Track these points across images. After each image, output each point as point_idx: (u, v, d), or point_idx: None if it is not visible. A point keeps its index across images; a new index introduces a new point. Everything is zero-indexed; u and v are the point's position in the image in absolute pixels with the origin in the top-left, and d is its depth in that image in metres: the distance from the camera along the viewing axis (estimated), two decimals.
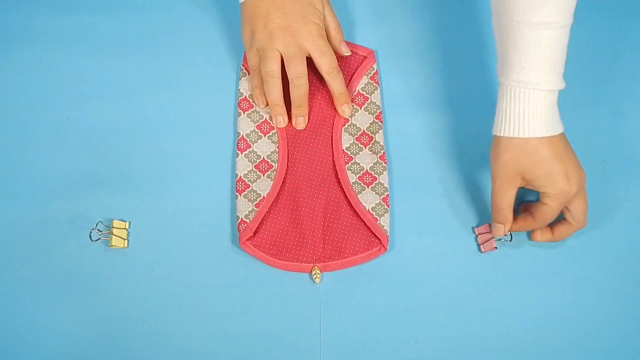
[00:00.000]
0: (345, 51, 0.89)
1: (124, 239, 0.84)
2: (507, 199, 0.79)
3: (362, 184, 0.85)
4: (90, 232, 0.83)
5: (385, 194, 0.85)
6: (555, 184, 0.77)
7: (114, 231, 0.83)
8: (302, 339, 0.81)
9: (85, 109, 0.89)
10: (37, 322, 0.82)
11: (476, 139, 0.88)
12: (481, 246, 0.84)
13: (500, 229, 0.81)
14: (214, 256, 0.84)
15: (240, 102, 0.89)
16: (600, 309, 0.83)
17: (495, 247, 0.83)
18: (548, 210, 0.78)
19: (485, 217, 0.85)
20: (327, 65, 0.86)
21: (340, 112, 0.88)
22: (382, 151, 0.86)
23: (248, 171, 0.85)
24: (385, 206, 0.84)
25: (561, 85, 0.76)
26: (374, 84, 0.90)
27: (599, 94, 0.91)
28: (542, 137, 0.76)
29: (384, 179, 0.85)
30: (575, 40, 0.92)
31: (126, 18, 0.93)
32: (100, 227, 0.83)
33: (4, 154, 0.87)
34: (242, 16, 0.87)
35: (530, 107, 0.75)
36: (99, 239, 0.83)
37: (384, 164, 0.86)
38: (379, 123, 0.88)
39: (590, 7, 0.94)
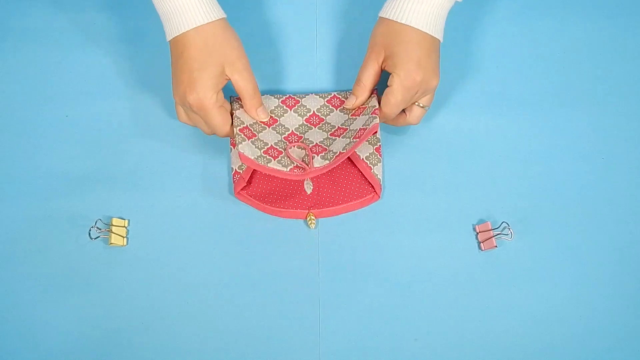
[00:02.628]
0: (263, 118, 0.84)
1: (123, 237, 0.83)
2: (368, 72, 0.82)
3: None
4: (90, 230, 0.82)
5: (378, 144, 0.86)
6: (405, 64, 0.79)
7: (113, 229, 0.83)
8: (303, 346, 0.81)
9: (84, 106, 0.89)
10: (37, 319, 0.82)
11: (477, 136, 0.88)
12: (481, 244, 0.84)
13: (352, 100, 0.84)
14: (213, 253, 0.84)
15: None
16: (599, 306, 0.83)
17: (496, 246, 0.83)
18: (392, 94, 0.80)
19: (485, 215, 0.85)
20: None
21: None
22: (374, 109, 0.84)
23: (253, 122, 0.84)
24: (378, 156, 0.85)
25: None
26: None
27: (599, 91, 0.91)
28: (414, 28, 0.79)
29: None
30: (575, 38, 0.93)
31: (126, 16, 0.93)
32: (99, 225, 0.83)
33: (4, 152, 0.87)
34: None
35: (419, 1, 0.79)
36: (98, 236, 0.83)
37: (377, 118, 0.83)
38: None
39: (590, 6, 0.94)
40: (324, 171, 0.81)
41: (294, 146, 0.84)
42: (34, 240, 0.84)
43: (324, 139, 0.85)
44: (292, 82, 0.91)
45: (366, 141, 0.86)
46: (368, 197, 0.85)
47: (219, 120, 0.79)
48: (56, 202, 0.85)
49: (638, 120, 0.90)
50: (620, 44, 0.93)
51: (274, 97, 0.87)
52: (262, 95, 0.86)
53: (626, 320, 0.83)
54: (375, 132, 0.83)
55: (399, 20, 0.79)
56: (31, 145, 0.87)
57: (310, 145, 0.84)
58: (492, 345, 0.82)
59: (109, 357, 0.81)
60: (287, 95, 0.88)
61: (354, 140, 0.81)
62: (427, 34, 0.79)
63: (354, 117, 0.85)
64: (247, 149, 0.81)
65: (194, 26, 0.77)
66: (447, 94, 0.90)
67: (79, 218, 0.84)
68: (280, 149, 0.83)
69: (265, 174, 0.85)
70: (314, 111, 0.87)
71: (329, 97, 0.88)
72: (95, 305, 0.82)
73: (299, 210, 0.84)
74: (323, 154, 0.82)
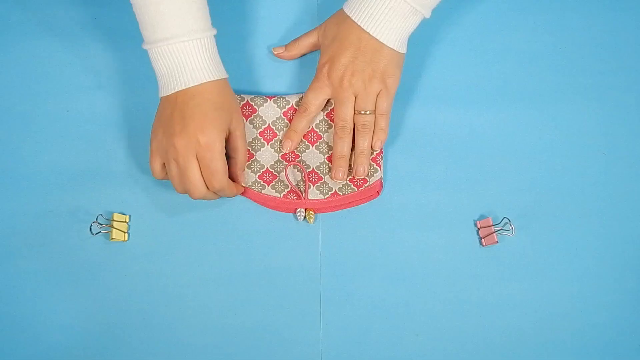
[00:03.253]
0: (244, 182, 0.84)
1: (124, 232, 0.83)
2: (306, 39, 0.88)
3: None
4: (91, 226, 0.83)
5: (375, 153, 0.85)
6: (327, 51, 0.84)
7: (115, 224, 0.83)
8: (304, 342, 0.81)
9: (85, 101, 0.88)
10: (38, 314, 0.82)
11: (478, 131, 0.88)
12: (482, 240, 0.84)
13: (280, 50, 0.89)
14: (214, 249, 0.84)
15: (241, 107, 0.87)
16: (600, 301, 0.83)
17: (497, 241, 0.83)
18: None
19: (487, 211, 0.85)
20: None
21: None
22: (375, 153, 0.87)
23: (252, 138, 0.86)
24: (375, 165, 0.85)
25: (425, 12, 0.81)
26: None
27: (600, 86, 0.91)
28: (360, 27, 0.81)
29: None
30: (576, 33, 0.93)
31: (127, 10, 0.92)
32: (100, 220, 0.83)
33: (5, 147, 0.87)
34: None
35: (386, 8, 0.80)
36: (100, 232, 0.83)
37: (379, 172, 0.86)
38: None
39: (591, 1, 0.94)
40: (318, 206, 0.84)
41: (291, 165, 0.85)
42: (35, 235, 0.84)
43: (320, 163, 0.86)
44: (293, 82, 0.90)
45: None
46: (368, 195, 0.85)
47: (223, 165, 0.78)
48: (57, 197, 0.85)
49: (639, 114, 0.90)
50: (621, 38, 0.93)
51: (277, 107, 0.87)
52: (267, 95, 0.87)
53: (627, 315, 0.83)
54: (375, 194, 0.85)
55: (372, 33, 0.81)
56: (32, 140, 0.87)
57: (307, 170, 0.85)
58: (493, 340, 0.82)
59: (109, 351, 0.81)
60: (290, 105, 0.87)
61: (350, 183, 0.84)
62: (370, 36, 0.81)
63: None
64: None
65: (210, 79, 0.77)
66: (447, 89, 0.90)
67: (80, 213, 0.84)
68: (275, 173, 0.85)
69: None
70: (312, 127, 0.87)
71: (330, 109, 0.87)
72: (96, 300, 0.82)
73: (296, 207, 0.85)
74: (319, 184, 0.85)
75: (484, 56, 0.91)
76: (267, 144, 0.86)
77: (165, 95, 0.79)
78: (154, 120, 0.80)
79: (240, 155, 0.82)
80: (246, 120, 0.87)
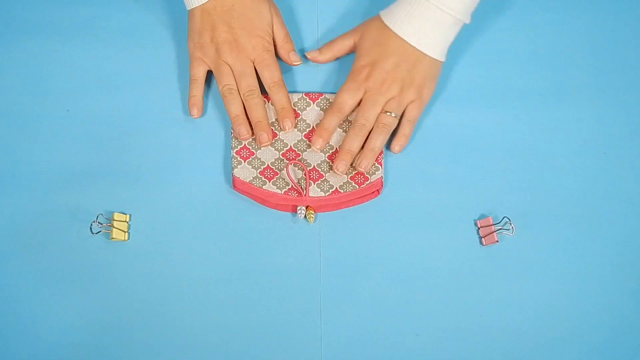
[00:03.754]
0: (295, 60, 0.88)
1: (125, 232, 0.84)
2: (342, 42, 0.88)
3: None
4: (91, 225, 0.83)
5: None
6: (362, 45, 0.85)
7: (115, 224, 0.83)
8: (304, 342, 0.81)
9: (85, 101, 0.89)
10: (38, 314, 0.82)
11: (478, 131, 0.88)
12: (482, 239, 0.84)
13: (314, 53, 0.89)
14: (214, 248, 0.84)
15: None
16: (600, 300, 0.83)
17: (497, 240, 0.83)
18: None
19: (487, 210, 0.86)
20: (268, 79, 0.85)
21: (282, 126, 0.86)
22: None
23: (252, 138, 0.87)
24: (377, 164, 0.85)
25: (465, 19, 0.82)
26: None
27: (600, 86, 0.91)
28: (399, 37, 0.83)
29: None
30: (576, 33, 0.93)
31: (126, 10, 0.93)
32: (100, 219, 0.83)
33: (5, 147, 0.87)
34: (190, 25, 0.87)
35: (429, 21, 0.81)
36: (100, 231, 0.83)
37: (380, 170, 0.86)
38: None
39: (591, 1, 0.94)
40: (319, 203, 0.84)
41: (291, 164, 0.85)
42: (36, 234, 0.84)
43: (321, 161, 0.86)
44: (294, 80, 0.91)
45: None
46: (368, 193, 0.85)
47: (275, 62, 0.86)
48: (57, 197, 0.85)
49: (639, 114, 0.90)
50: (621, 38, 0.93)
51: (274, 108, 0.88)
52: (263, 95, 0.87)
53: (627, 314, 0.83)
54: (376, 192, 0.85)
55: (408, 41, 0.82)
56: (32, 139, 0.87)
57: (308, 168, 0.85)
58: (493, 339, 0.82)
59: (109, 351, 0.81)
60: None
61: (351, 181, 0.84)
62: (412, 46, 0.82)
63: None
64: (242, 172, 0.84)
65: None
66: (448, 89, 0.90)
67: (80, 213, 0.84)
68: (276, 170, 0.85)
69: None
70: (313, 127, 0.87)
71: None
72: (97, 299, 0.82)
73: (296, 205, 0.85)
74: (319, 181, 0.85)
75: (484, 56, 0.92)
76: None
77: (199, 5, 0.84)
78: (191, 31, 0.86)
79: (278, 42, 0.88)
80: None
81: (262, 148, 0.86)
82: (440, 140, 0.88)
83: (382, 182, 0.85)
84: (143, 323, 0.82)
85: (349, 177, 0.85)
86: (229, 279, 0.83)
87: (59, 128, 0.87)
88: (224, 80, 0.85)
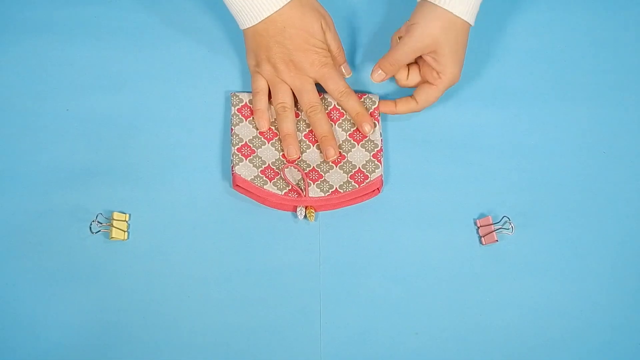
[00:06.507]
0: (347, 73, 0.89)
1: (124, 231, 0.83)
2: (406, 58, 0.83)
3: (352, 141, 0.87)
4: (91, 224, 0.82)
5: (376, 149, 0.86)
6: (453, 69, 0.82)
7: (114, 223, 0.83)
8: (304, 341, 0.81)
9: (85, 100, 0.89)
10: (38, 313, 0.82)
11: (478, 130, 0.88)
12: (482, 238, 0.84)
13: (378, 76, 0.85)
14: (214, 247, 0.84)
15: (241, 108, 0.88)
16: (600, 300, 0.83)
17: (496, 240, 0.83)
18: (433, 92, 0.84)
19: (486, 209, 0.85)
20: (335, 90, 0.85)
21: (362, 131, 0.86)
22: (376, 149, 0.87)
23: (253, 137, 0.87)
24: (376, 162, 0.85)
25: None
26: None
27: (600, 85, 0.91)
28: (465, 22, 0.80)
29: (374, 135, 0.87)
30: (576, 32, 0.93)
31: (126, 9, 0.93)
32: (100, 219, 0.83)
33: (4, 146, 0.87)
34: (246, 43, 0.87)
35: None
36: (99, 231, 0.83)
37: (380, 168, 0.86)
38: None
39: (591, 0, 0.94)
40: (319, 203, 0.84)
41: (290, 166, 0.85)
42: (35, 234, 0.84)
43: (320, 162, 0.86)
44: None
45: (363, 149, 0.86)
46: (368, 192, 0.85)
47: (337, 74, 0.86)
48: (57, 196, 0.85)
49: (639, 114, 0.90)
50: (622, 37, 0.93)
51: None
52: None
53: (627, 314, 0.83)
54: (376, 191, 0.85)
55: (455, 13, 0.80)
56: (32, 138, 0.87)
57: (307, 169, 0.85)
58: (492, 339, 0.82)
59: (109, 350, 0.81)
60: None
61: (351, 180, 0.84)
62: (468, 24, 0.81)
63: (351, 137, 0.87)
64: (243, 170, 0.84)
65: (285, 3, 0.82)
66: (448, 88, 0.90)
67: (79, 212, 0.84)
68: (276, 170, 0.85)
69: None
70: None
71: (330, 108, 0.88)
72: (96, 299, 0.82)
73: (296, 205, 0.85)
74: (319, 182, 0.85)
75: (484, 56, 0.92)
76: (268, 143, 0.87)
77: (250, 26, 0.83)
78: (248, 49, 0.87)
79: (332, 51, 0.86)
80: (245, 121, 0.87)
81: (262, 147, 0.86)
82: (439, 139, 0.88)
83: (382, 180, 0.85)
84: (143, 322, 0.82)
85: (349, 176, 0.85)
86: (229, 278, 0.83)
87: (58, 127, 0.88)
88: (280, 97, 0.85)
